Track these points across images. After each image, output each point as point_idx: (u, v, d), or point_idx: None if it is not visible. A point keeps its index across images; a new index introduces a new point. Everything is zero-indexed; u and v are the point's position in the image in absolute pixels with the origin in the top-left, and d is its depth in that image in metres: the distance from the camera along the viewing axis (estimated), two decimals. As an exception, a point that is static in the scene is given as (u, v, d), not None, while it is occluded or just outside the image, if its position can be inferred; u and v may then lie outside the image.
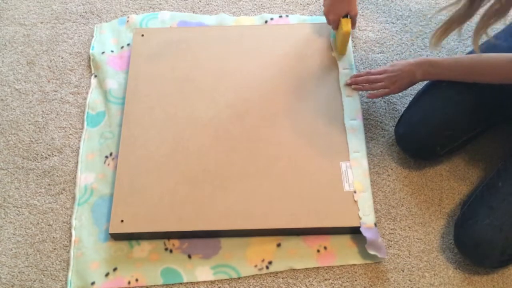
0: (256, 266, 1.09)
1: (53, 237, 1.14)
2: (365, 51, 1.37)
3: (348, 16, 1.20)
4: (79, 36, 1.41)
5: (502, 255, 1.01)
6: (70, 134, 1.26)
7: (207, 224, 1.08)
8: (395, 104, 1.28)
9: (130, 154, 1.16)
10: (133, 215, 1.09)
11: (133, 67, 1.28)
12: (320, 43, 1.29)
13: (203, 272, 1.08)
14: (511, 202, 1.00)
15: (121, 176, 1.14)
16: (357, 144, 1.16)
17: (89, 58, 1.36)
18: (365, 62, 1.34)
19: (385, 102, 1.28)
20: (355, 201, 1.09)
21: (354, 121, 1.19)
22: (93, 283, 1.07)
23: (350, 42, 1.28)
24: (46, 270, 1.10)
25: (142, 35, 1.32)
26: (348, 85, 1.23)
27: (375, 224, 1.07)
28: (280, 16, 1.41)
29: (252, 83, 1.24)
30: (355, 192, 1.10)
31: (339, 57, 1.27)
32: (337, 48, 1.28)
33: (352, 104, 1.21)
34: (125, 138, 1.18)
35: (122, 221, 1.09)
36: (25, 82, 1.34)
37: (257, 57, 1.28)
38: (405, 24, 1.41)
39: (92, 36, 1.40)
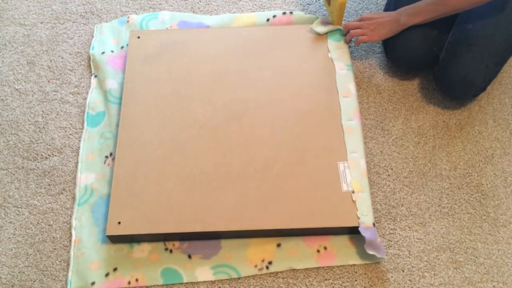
0: (256, 266, 1.09)
1: (53, 237, 1.14)
2: (365, 51, 1.37)
3: None
4: (79, 36, 1.41)
5: (483, 82, 1.19)
6: (70, 134, 1.26)
7: (206, 225, 1.08)
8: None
9: (127, 156, 1.16)
10: (131, 217, 1.09)
11: (129, 70, 1.27)
12: (317, 44, 1.29)
13: (203, 272, 1.09)
14: (485, 37, 1.16)
15: (118, 178, 1.13)
16: (354, 144, 1.16)
17: (89, 58, 1.36)
18: (365, 62, 1.34)
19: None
20: (354, 201, 1.09)
21: (351, 122, 1.18)
22: (93, 283, 1.07)
23: (349, 44, 1.30)
24: (46, 270, 1.11)
25: (138, 37, 1.32)
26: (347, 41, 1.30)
27: (374, 224, 1.07)
28: (284, 13, 1.40)
29: (249, 84, 1.24)
30: (353, 192, 1.10)
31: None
32: (333, 20, 1.30)
33: (349, 104, 1.20)
34: (122, 140, 1.18)
35: (119, 223, 1.08)
36: (25, 82, 1.34)
37: (253, 59, 1.27)
38: (405, 23, 1.41)
39: (92, 36, 1.40)
